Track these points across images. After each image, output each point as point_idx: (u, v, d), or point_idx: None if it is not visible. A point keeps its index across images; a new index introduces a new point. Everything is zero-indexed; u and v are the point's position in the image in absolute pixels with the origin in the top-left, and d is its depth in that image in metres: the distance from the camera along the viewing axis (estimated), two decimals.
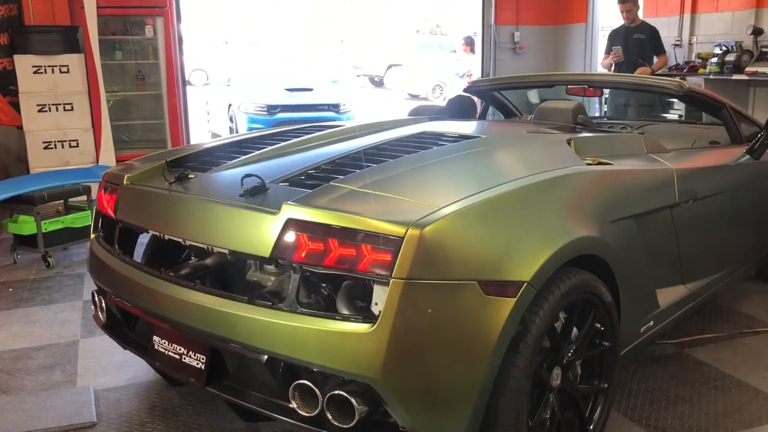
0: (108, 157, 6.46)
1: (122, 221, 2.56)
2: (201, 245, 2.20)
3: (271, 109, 9.61)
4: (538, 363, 2.10)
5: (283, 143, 2.80)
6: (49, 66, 6.32)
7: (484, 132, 3.02)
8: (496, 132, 3.32)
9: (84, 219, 4.94)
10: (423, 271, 1.81)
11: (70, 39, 6.46)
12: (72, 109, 6.46)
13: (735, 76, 6.59)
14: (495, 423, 1.99)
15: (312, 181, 2.24)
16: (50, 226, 4.76)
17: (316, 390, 1.90)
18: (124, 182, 2.54)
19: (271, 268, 2.32)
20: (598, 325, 2.34)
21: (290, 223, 1.93)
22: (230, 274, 2.41)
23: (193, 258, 2.63)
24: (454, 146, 2.63)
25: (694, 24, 7.61)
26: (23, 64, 6.26)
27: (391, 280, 1.79)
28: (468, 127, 3.29)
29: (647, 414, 2.71)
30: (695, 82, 7.15)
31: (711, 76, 6.82)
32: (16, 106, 6.42)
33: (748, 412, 2.74)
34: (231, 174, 2.44)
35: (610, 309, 2.35)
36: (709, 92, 3.81)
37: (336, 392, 1.86)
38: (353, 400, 1.85)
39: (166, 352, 2.27)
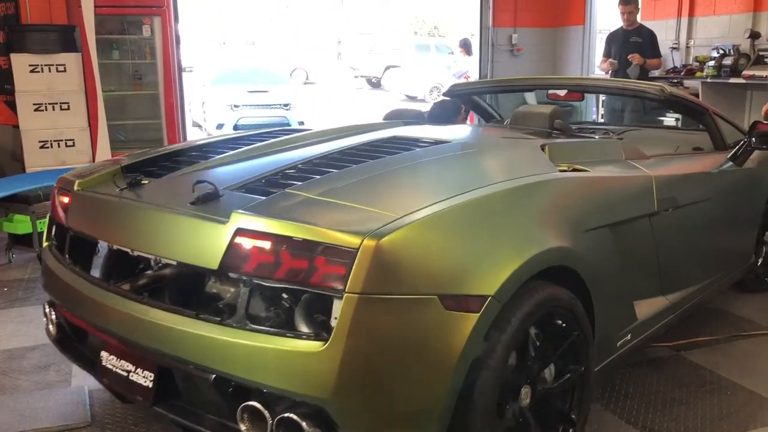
0: (104, 157, 6.43)
1: (72, 229, 2.44)
2: (147, 256, 2.09)
3: (235, 107, 11.94)
4: (505, 382, 1.98)
5: (246, 147, 2.71)
6: (45, 65, 6.29)
7: (457, 137, 2.91)
8: (468, 137, 3.21)
9: None
10: (379, 285, 1.71)
11: (67, 38, 6.44)
12: (68, 109, 6.43)
13: (732, 80, 6.59)
14: None
15: (270, 188, 2.15)
16: (46, 225, 4.74)
17: (265, 412, 1.79)
18: (75, 188, 2.43)
19: (215, 278, 2.15)
20: (571, 341, 2.22)
21: (240, 233, 1.83)
22: (189, 286, 2.22)
23: (150, 270, 2.41)
24: (422, 151, 2.53)
25: (691, 27, 7.62)
26: (20, 62, 6.23)
27: (345, 294, 1.69)
28: (441, 132, 3.16)
29: (643, 416, 2.71)
30: (692, 85, 7.19)
31: (708, 80, 6.82)
32: (11, 105, 6.40)
33: (743, 414, 2.74)
34: (186, 180, 2.32)
35: (583, 323, 2.24)
36: (692, 97, 3.75)
37: (286, 415, 1.76)
38: (304, 424, 1.74)
39: (114, 368, 2.15)
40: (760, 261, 3.97)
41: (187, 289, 2.20)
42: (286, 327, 1.85)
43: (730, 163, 3.47)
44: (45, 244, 2.68)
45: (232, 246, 1.84)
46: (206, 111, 12.28)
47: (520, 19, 9.17)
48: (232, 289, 2.10)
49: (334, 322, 1.73)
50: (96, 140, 6.50)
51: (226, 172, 2.40)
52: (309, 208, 1.92)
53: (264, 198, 2.02)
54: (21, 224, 4.74)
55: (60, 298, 2.43)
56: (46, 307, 2.54)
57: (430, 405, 1.81)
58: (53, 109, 6.39)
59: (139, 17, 6.86)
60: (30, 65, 6.25)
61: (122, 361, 2.13)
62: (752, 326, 3.63)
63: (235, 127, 11.59)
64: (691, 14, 7.59)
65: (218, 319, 1.88)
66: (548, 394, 2.17)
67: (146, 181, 2.38)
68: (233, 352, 1.81)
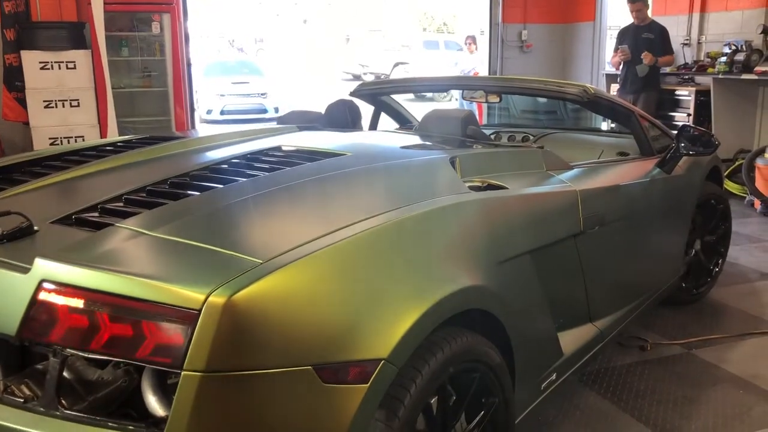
0: None
1: None
2: None
3: (221, 96, 14.25)
4: None
5: (89, 163, 2.21)
6: (55, 62, 6.32)
7: (354, 148, 2.48)
8: (365, 148, 2.68)
9: None
10: (230, 359, 1.28)
11: (76, 35, 6.46)
12: (78, 105, 6.46)
13: (744, 76, 6.54)
14: None
15: (102, 219, 1.69)
16: None
17: None
18: None
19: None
20: (489, 400, 1.84)
21: (44, 287, 1.37)
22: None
23: None
24: (308, 168, 2.08)
25: (703, 23, 7.56)
26: (30, 59, 6.26)
27: (182, 373, 1.25)
28: (338, 140, 2.77)
29: (654, 415, 2.69)
30: (704, 81, 7.15)
31: (720, 76, 6.77)
32: (22, 102, 6.42)
33: (756, 414, 2.71)
34: (5, 206, 1.75)
35: (501, 375, 1.85)
36: (617, 99, 3.50)
37: None
38: None
39: None
40: (683, 271, 3.65)
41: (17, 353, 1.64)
42: (129, 402, 1.42)
43: (658, 170, 3.20)
44: None
45: (33, 305, 1.38)
46: (198, 99, 13.76)
47: (530, 16, 9.13)
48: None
49: (155, 405, 1.36)
50: (105, 137, 6.52)
51: (54, 197, 1.94)
52: (140, 251, 1.49)
53: (88, 235, 1.57)
54: None
55: None
56: None
57: None
58: (63, 105, 6.41)
59: (149, 14, 6.87)
60: (40, 62, 6.28)
61: None
62: (764, 324, 3.59)
63: (222, 112, 14.13)
64: (702, 10, 7.53)
65: (21, 400, 1.41)
66: None
67: None
68: None
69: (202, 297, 1.27)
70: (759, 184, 6.07)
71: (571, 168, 2.72)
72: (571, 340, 2.41)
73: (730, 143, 6.60)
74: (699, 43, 7.61)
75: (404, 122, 4.11)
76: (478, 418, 1.80)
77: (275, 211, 1.78)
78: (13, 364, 1.58)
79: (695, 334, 3.40)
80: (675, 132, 3.45)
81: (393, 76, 21.81)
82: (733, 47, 6.80)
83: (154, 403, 1.38)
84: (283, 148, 2.39)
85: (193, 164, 2.16)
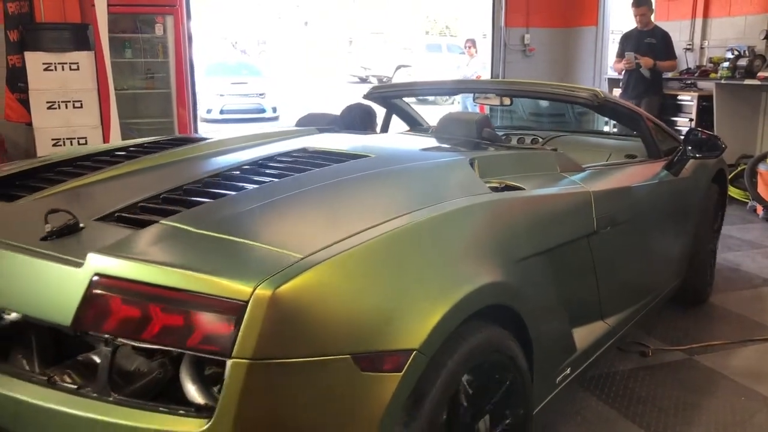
0: None
1: None
2: None
3: (220, 95, 14.69)
4: None
5: (125, 162, 2.31)
6: (59, 63, 6.32)
7: (376, 150, 2.54)
8: (388, 150, 2.75)
9: None
10: (276, 347, 1.37)
11: (80, 36, 6.47)
12: (81, 107, 6.46)
13: (747, 81, 6.54)
14: None
15: (145, 216, 1.76)
16: None
17: None
18: None
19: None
20: (509, 388, 1.91)
21: (97, 281, 1.45)
22: (44, 341, 1.71)
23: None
24: (335, 169, 2.16)
25: (706, 28, 7.57)
26: (33, 61, 6.26)
27: (231, 360, 1.34)
28: (359, 142, 2.86)
29: (655, 421, 2.69)
30: (706, 87, 7.15)
31: (722, 81, 6.77)
32: (24, 103, 6.43)
33: (758, 421, 2.71)
34: (42, 206, 1.84)
35: (521, 366, 1.94)
36: (625, 102, 3.60)
37: None
38: None
39: None
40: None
41: (41, 343, 1.73)
42: (164, 392, 1.50)
43: (666, 172, 3.28)
44: None
45: (87, 297, 1.46)
46: (198, 99, 13.83)
47: (532, 20, 9.14)
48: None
49: (205, 392, 1.43)
50: (108, 138, 6.52)
51: (94, 196, 2.02)
52: (187, 246, 1.58)
53: (135, 232, 1.64)
54: None
55: None
56: None
57: None
58: (66, 107, 6.41)
59: (152, 16, 6.89)
60: (44, 63, 6.28)
61: None
62: (766, 330, 3.58)
63: (221, 112, 14.56)
64: (705, 15, 7.53)
65: (74, 386, 1.50)
66: None
67: None
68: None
69: (249, 289, 1.35)
70: (761, 189, 6.06)
71: (583, 170, 2.78)
72: (584, 336, 2.48)
73: (733, 149, 6.58)
74: (702, 48, 7.61)
75: (414, 124, 4.22)
76: (499, 408, 1.87)
77: (309, 210, 1.87)
78: (49, 354, 1.67)
79: (697, 340, 3.40)
80: (681, 135, 3.50)
81: (395, 79, 21.91)
82: (736, 53, 6.80)
83: (193, 392, 1.44)
84: (309, 149, 2.47)
85: (223, 165, 2.25)
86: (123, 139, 6.55)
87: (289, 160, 2.31)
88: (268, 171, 2.16)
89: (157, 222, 1.67)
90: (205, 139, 2.71)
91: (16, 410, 1.51)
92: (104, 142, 6.55)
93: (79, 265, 1.48)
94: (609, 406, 2.79)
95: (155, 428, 1.39)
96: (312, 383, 1.42)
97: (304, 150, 2.45)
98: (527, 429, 2.02)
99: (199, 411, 1.40)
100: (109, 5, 6.32)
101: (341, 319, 1.47)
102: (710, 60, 7.35)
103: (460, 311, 1.66)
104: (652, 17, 7.04)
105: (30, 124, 6.43)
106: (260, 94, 15.04)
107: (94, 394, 1.46)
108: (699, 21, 7.58)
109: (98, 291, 1.46)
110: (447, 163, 2.44)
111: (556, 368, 2.28)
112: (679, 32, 7.61)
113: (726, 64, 6.79)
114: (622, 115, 3.49)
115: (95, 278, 1.46)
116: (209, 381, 1.46)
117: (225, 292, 1.36)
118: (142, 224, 1.69)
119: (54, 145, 6.42)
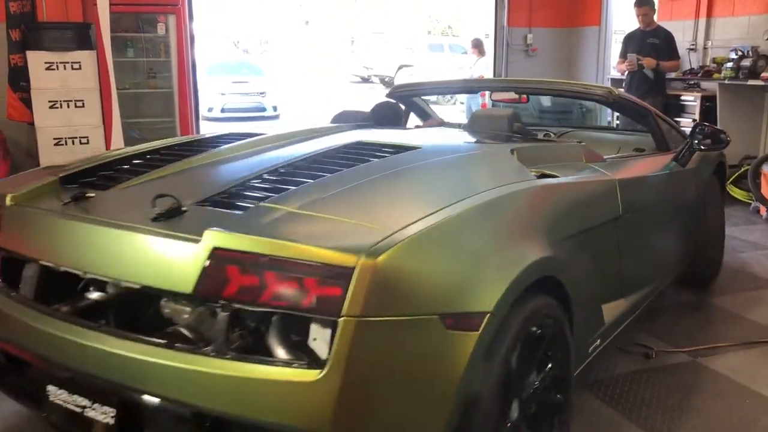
0: None
1: (6, 249, 2.16)
2: (106, 279, 1.90)
3: (222, 94, 15.00)
4: (504, 397, 1.90)
5: (197, 155, 2.54)
6: (61, 62, 6.31)
7: (422, 142, 2.76)
8: (434, 142, 3.04)
9: None
10: (378, 307, 1.59)
11: (82, 36, 6.46)
12: (83, 106, 6.45)
13: (750, 82, 6.52)
14: None
15: (236, 201, 1.98)
16: None
17: None
18: (7, 202, 2.15)
19: (185, 302, 1.90)
20: (557, 351, 2.17)
21: (217, 253, 1.67)
22: (136, 308, 2.00)
23: (90, 290, 2.09)
24: (395, 159, 2.39)
25: (709, 28, 7.54)
26: (35, 60, 6.25)
27: (342, 318, 1.56)
28: (402, 136, 3.07)
29: (660, 423, 2.67)
30: (709, 87, 7.13)
31: (726, 81, 6.75)
32: (26, 102, 6.43)
33: (762, 424, 2.69)
34: (138, 192, 2.12)
35: (566, 333, 2.20)
36: (636, 99, 3.82)
37: None
38: None
39: (65, 404, 1.90)
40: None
41: (132, 312, 2.00)
42: (260, 353, 1.71)
43: (674, 163, 3.53)
44: None
45: (208, 268, 1.68)
46: (200, 98, 14.11)
47: (535, 19, 9.12)
48: (187, 313, 1.87)
49: (316, 347, 1.63)
50: (110, 138, 6.51)
51: (182, 183, 2.24)
52: (292, 224, 1.79)
53: (239, 212, 1.87)
54: None
55: None
56: None
57: (434, 426, 1.73)
58: (68, 106, 6.41)
59: (154, 15, 6.87)
60: (45, 62, 6.27)
61: (75, 396, 1.88)
62: None
63: (222, 110, 14.85)
64: (708, 15, 7.51)
65: (192, 347, 1.72)
66: (537, 402, 2.09)
67: (92, 194, 2.15)
68: (213, 384, 1.65)
69: (355, 259, 1.57)
70: (765, 190, 6.04)
71: (605, 161, 3.02)
72: (609, 311, 2.72)
73: (736, 149, 6.56)
74: (705, 48, 7.59)
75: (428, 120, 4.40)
76: (548, 366, 2.12)
77: (388, 193, 2.11)
78: (123, 320, 1.95)
79: (701, 342, 3.39)
80: (687, 131, 3.72)
81: (397, 79, 21.95)
82: (740, 53, 6.77)
83: (281, 353, 1.66)
84: (364, 142, 2.67)
85: (289, 156, 2.44)
86: (124, 139, 6.55)
87: (353, 151, 2.50)
88: (334, 161, 2.35)
89: (258, 204, 1.89)
90: (260, 135, 2.91)
91: (139, 368, 1.72)
92: (106, 141, 6.55)
93: (196, 241, 1.69)
94: (612, 408, 2.78)
95: (276, 378, 1.60)
96: (407, 338, 1.66)
97: (359, 143, 2.65)
98: (569, 389, 2.26)
99: (312, 363, 1.60)
100: (111, 4, 6.30)
101: (429, 285, 1.71)
102: (713, 60, 7.32)
103: (522, 280, 1.90)
104: (655, 17, 7.01)
105: (32, 123, 6.42)
106: (261, 93, 15.36)
107: (213, 353, 1.67)
108: (702, 21, 7.55)
109: (217, 263, 1.66)
110: (494, 153, 2.72)
111: (589, 338, 2.54)
112: (682, 32, 7.59)
113: (729, 64, 6.77)
114: (633, 111, 3.74)
115: (214, 252, 1.66)
116: (296, 345, 1.68)
117: (334, 261, 1.58)
118: (236, 207, 1.91)
119: (56, 144, 6.41)
